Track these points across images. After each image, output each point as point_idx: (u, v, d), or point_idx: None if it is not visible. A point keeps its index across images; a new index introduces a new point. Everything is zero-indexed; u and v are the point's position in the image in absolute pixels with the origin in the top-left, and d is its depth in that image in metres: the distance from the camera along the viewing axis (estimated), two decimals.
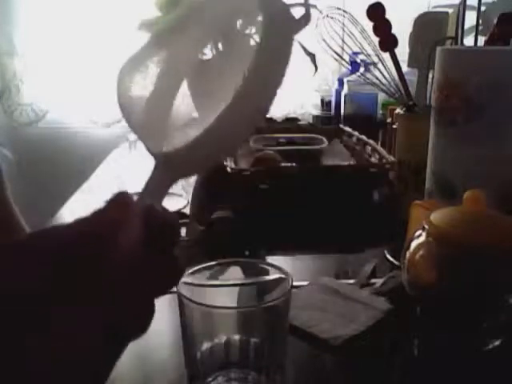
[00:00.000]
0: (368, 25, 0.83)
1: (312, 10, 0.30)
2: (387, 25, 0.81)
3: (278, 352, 0.41)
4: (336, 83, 1.48)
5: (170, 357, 0.48)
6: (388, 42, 0.82)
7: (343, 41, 0.91)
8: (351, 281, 0.60)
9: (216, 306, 0.38)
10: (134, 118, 0.30)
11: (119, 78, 0.31)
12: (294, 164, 0.87)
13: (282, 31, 0.28)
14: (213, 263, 0.43)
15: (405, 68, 0.83)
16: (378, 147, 1.00)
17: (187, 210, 0.84)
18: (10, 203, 0.66)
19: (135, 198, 0.29)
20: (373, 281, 0.60)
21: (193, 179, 1.08)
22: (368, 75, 0.91)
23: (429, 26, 0.81)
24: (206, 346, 0.40)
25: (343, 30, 0.89)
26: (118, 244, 0.26)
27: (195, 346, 0.40)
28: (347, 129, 1.18)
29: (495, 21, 0.75)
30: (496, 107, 0.60)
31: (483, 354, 0.48)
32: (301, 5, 0.30)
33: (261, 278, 0.42)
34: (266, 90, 0.28)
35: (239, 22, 0.32)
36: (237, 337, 0.40)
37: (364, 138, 1.07)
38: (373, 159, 0.97)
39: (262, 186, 0.85)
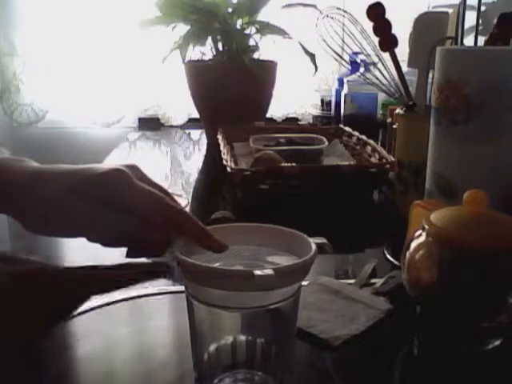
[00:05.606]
0: (368, 25, 0.82)
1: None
2: (387, 25, 0.81)
3: (286, 353, 0.41)
4: (336, 83, 1.48)
5: (171, 355, 0.48)
6: (388, 42, 0.82)
7: (343, 41, 0.91)
8: (351, 281, 0.60)
9: (224, 306, 0.38)
10: None
11: None
12: (294, 164, 0.87)
13: None
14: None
15: (405, 68, 0.83)
16: (378, 147, 1.00)
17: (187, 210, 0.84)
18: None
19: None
20: (373, 281, 0.60)
21: (193, 179, 1.08)
22: (368, 75, 0.91)
23: (429, 26, 0.81)
24: (213, 346, 0.40)
25: (343, 30, 0.89)
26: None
27: (203, 346, 0.40)
28: (347, 129, 1.18)
29: (495, 21, 0.74)
30: (496, 107, 0.60)
31: (483, 354, 0.48)
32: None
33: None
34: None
35: None
36: (243, 337, 0.40)
37: (364, 138, 1.08)
38: (373, 159, 0.97)
39: (261, 186, 0.85)
